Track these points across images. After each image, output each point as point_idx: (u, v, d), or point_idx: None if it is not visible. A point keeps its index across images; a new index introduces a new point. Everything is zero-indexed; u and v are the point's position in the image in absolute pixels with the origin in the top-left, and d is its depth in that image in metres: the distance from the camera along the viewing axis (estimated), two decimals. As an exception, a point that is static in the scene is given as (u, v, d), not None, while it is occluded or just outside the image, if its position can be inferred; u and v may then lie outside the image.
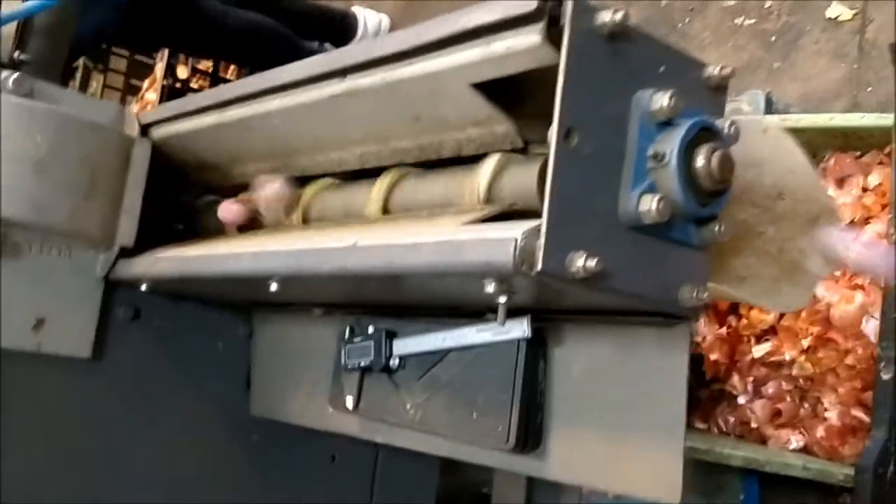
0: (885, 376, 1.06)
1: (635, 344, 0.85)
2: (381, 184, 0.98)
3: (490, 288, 0.72)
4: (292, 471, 1.42)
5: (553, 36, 0.71)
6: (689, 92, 0.75)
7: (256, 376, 1.35)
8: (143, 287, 1.16)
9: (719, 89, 0.79)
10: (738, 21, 1.99)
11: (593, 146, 0.70)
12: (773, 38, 1.92)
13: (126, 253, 1.16)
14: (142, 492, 1.26)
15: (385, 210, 0.98)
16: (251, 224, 1.16)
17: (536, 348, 0.90)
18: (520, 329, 0.89)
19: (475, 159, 0.90)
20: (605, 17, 0.70)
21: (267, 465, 1.39)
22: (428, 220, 0.88)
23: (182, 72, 3.19)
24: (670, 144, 0.72)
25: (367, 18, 2.99)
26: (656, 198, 0.70)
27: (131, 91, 3.50)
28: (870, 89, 1.73)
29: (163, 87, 3.06)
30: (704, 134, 0.73)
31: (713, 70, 0.78)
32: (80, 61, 3.38)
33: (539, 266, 0.66)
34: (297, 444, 1.41)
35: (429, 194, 0.94)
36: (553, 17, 0.70)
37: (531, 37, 0.72)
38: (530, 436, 0.90)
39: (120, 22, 2.19)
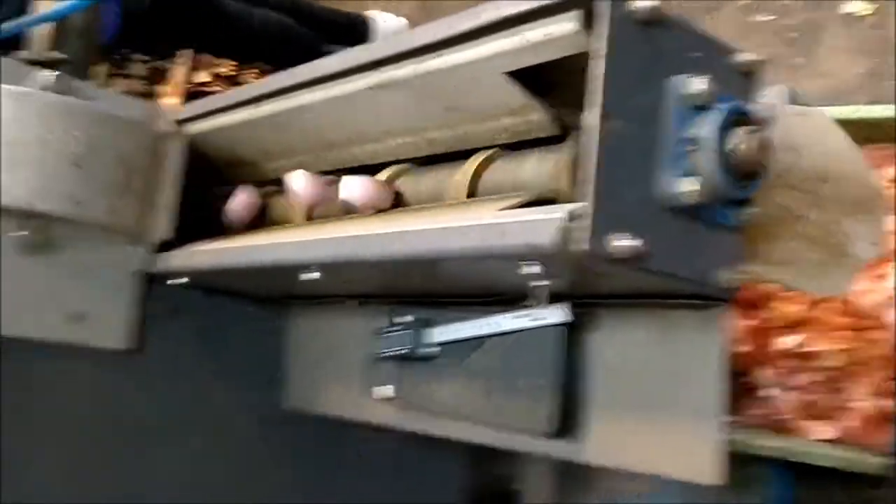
0: (917, 362, 1.06)
1: (672, 327, 0.86)
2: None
3: (533, 269, 0.73)
4: (320, 465, 1.43)
5: (589, 23, 0.72)
6: (723, 77, 0.76)
7: (291, 370, 1.37)
8: (182, 280, 1.18)
9: (751, 75, 0.81)
10: (758, 18, 2.00)
11: (632, 130, 0.71)
12: (794, 35, 1.93)
13: (164, 247, 1.18)
14: (176, 482, 1.28)
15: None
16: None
17: (574, 334, 0.91)
18: (557, 315, 0.90)
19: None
20: (640, 3, 0.71)
21: (297, 459, 1.41)
22: (464, 206, 0.89)
23: (202, 76, 3.22)
24: (707, 128, 0.73)
25: (386, 22, 3.01)
26: (695, 180, 0.71)
27: (151, 97, 3.53)
28: (893, 83, 1.74)
29: (185, 90, 3.08)
30: (740, 117, 0.75)
31: (745, 56, 0.79)
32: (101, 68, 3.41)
33: (584, 246, 0.67)
34: (327, 437, 1.43)
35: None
36: (589, 5, 0.72)
37: (568, 24, 0.74)
38: (568, 420, 0.91)
39: (143, 24, 2.21)
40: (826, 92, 1.80)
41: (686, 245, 0.74)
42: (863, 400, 1.34)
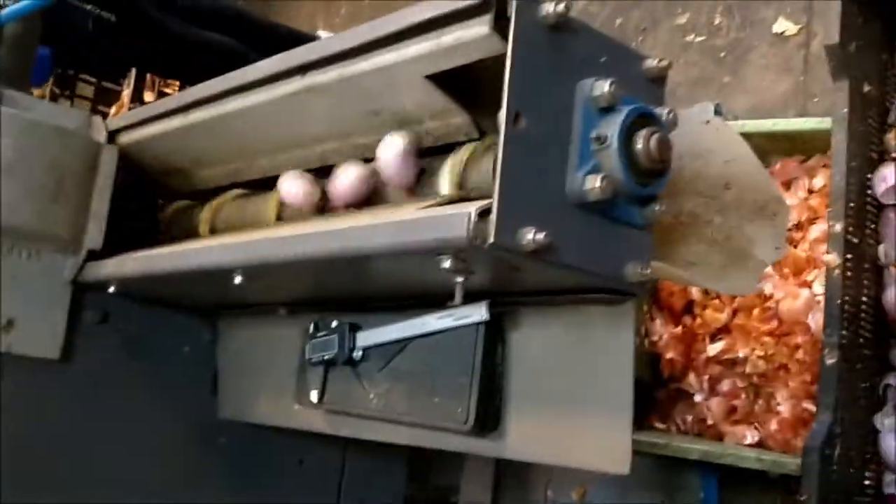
0: (829, 361, 1.10)
1: (585, 323, 0.89)
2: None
3: (447, 264, 0.75)
4: (260, 474, 1.44)
5: (500, 27, 0.75)
6: (630, 82, 0.79)
7: (223, 379, 1.37)
8: (111, 289, 1.18)
9: (658, 80, 0.84)
10: (689, 38, 2.06)
11: (541, 129, 0.74)
12: (723, 54, 1.99)
13: (94, 256, 1.19)
14: (108, 495, 1.27)
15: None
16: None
17: (494, 332, 0.94)
18: (479, 314, 0.93)
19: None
20: (549, 8, 0.74)
21: (234, 469, 1.41)
22: (390, 208, 0.92)
23: (149, 97, 3.21)
24: (612, 128, 0.76)
25: (332, 42, 3.02)
26: (600, 177, 0.74)
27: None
28: (816, 100, 1.80)
29: (130, 110, 3.07)
30: (643, 119, 0.78)
31: (652, 62, 0.83)
32: (47, 89, 3.38)
33: (492, 239, 0.70)
34: (265, 447, 1.43)
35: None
36: (500, 9, 0.75)
37: (480, 28, 0.77)
38: (489, 416, 0.93)
39: (89, 43, 2.20)
40: (753, 108, 1.86)
41: (593, 240, 0.77)
42: (784, 403, 1.38)
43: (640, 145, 0.77)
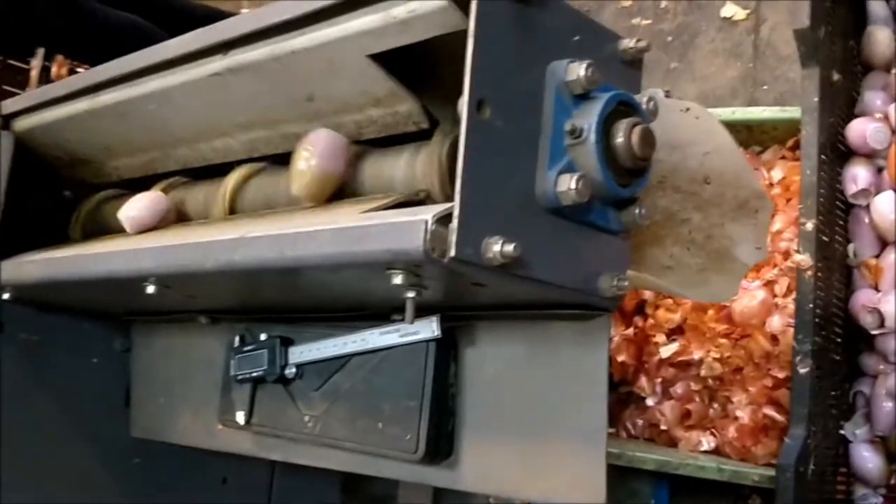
0: (802, 370, 1.03)
1: (552, 340, 0.79)
2: (233, 179, 0.90)
3: (398, 280, 0.64)
4: (180, 496, 1.31)
5: (460, -1, 0.64)
6: (605, 65, 0.69)
7: (136, 394, 1.24)
8: (6, 296, 1.04)
9: (634, 63, 0.74)
10: (635, 21, 1.97)
11: (507, 120, 0.63)
12: (670, 39, 1.91)
13: (-14, 258, 1.04)
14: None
15: (232, 210, 0.91)
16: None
17: (446, 350, 0.83)
18: (429, 329, 0.82)
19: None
20: (515, -23, 0.63)
21: (151, 491, 1.28)
22: (322, 210, 0.80)
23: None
24: (588, 118, 0.66)
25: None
26: (575, 177, 0.64)
27: (4, 97, 3.28)
28: (765, 87, 1.74)
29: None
30: (623, 108, 0.68)
31: (628, 43, 0.73)
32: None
33: (452, 252, 0.59)
34: (185, 466, 1.31)
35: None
36: (460, -22, 0.64)
37: None
38: (441, 444, 0.83)
39: None
40: (701, 95, 1.78)
41: (566, 250, 0.67)
42: (742, 409, 1.31)
43: (620, 139, 0.66)
